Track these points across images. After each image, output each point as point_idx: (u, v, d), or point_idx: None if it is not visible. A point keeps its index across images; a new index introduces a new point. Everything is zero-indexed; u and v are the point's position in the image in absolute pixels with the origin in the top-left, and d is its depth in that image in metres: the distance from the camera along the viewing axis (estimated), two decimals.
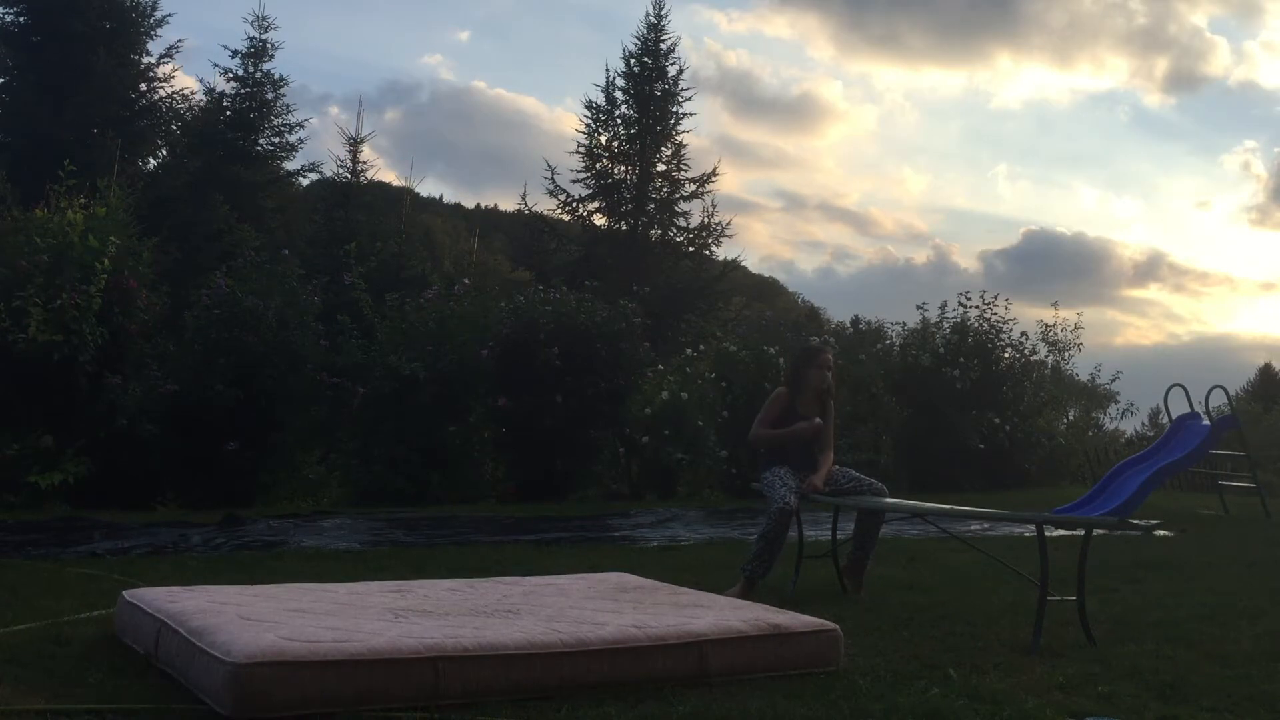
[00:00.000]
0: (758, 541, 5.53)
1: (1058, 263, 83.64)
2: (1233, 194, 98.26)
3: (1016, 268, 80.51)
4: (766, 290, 45.16)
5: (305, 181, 22.04)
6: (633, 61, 23.51)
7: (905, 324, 15.56)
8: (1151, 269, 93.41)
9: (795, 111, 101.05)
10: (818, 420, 5.80)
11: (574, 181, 23.15)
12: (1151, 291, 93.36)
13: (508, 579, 5.01)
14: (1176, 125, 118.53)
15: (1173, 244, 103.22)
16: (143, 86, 19.50)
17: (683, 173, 23.45)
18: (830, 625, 4.08)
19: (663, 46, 23.67)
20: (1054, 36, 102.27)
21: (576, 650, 3.56)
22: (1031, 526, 6.57)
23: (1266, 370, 45.67)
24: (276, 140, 20.68)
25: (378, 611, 3.94)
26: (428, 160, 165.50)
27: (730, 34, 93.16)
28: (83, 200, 10.26)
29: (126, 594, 4.17)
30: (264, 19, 20.13)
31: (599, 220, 23.49)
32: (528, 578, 5.06)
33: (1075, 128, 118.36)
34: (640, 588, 4.77)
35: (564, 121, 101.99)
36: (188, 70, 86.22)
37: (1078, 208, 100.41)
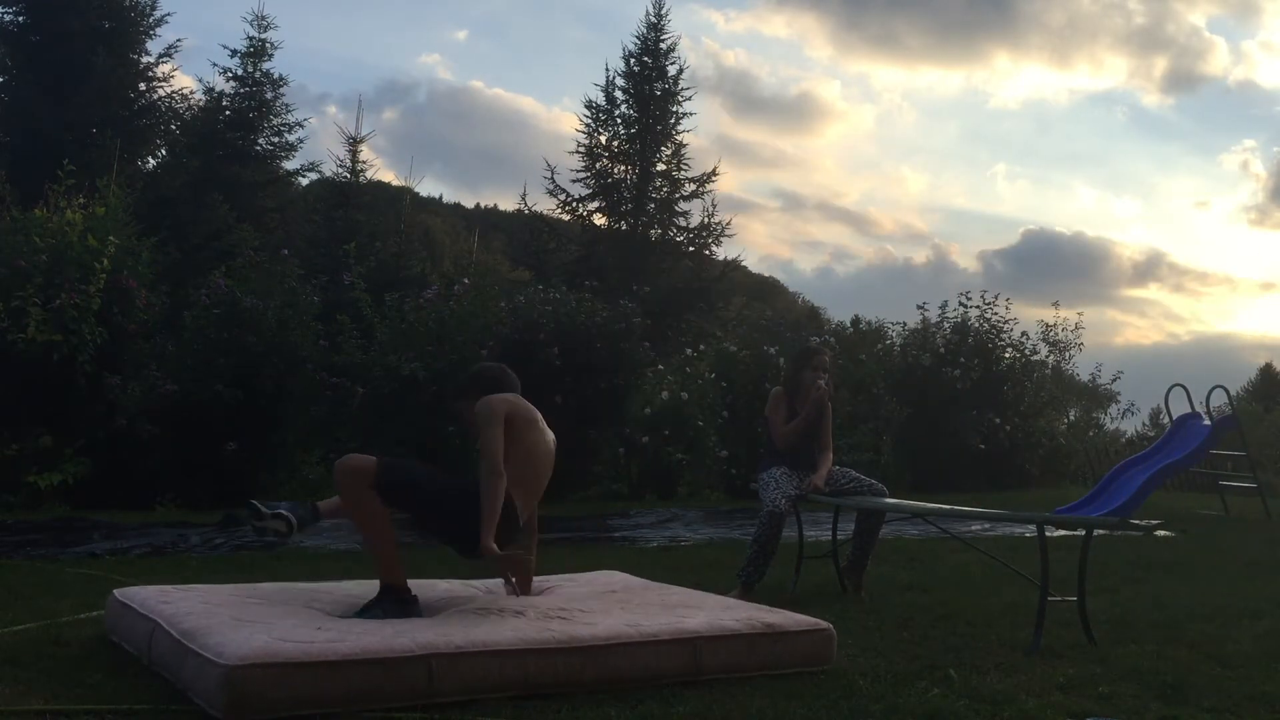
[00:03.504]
0: (751, 546, 5.53)
1: (1057, 262, 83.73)
2: (1231, 194, 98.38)
3: (1016, 267, 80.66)
4: (767, 290, 45.17)
5: (304, 181, 22.02)
6: (633, 61, 23.50)
7: (906, 324, 15.57)
8: (1151, 269, 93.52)
9: (793, 111, 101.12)
10: (820, 384, 5.80)
11: (574, 181, 23.16)
12: (1151, 291, 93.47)
13: (502, 579, 5.00)
14: (1175, 125, 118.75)
15: (1172, 244, 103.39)
16: (142, 86, 19.46)
17: (683, 172, 23.43)
18: (824, 624, 4.08)
19: (663, 46, 23.66)
20: (1052, 36, 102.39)
21: (570, 648, 3.56)
22: (1032, 526, 6.57)
23: (1267, 370, 45.68)
24: (276, 140, 20.64)
25: None
26: (425, 160, 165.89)
27: (728, 33, 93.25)
28: (82, 200, 10.26)
29: (118, 593, 4.15)
30: (263, 18, 20.10)
31: (599, 220, 23.48)
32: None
33: (1074, 127, 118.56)
34: (631, 588, 4.78)
35: (561, 121, 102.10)
36: (187, 70, 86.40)
37: (1077, 207, 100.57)
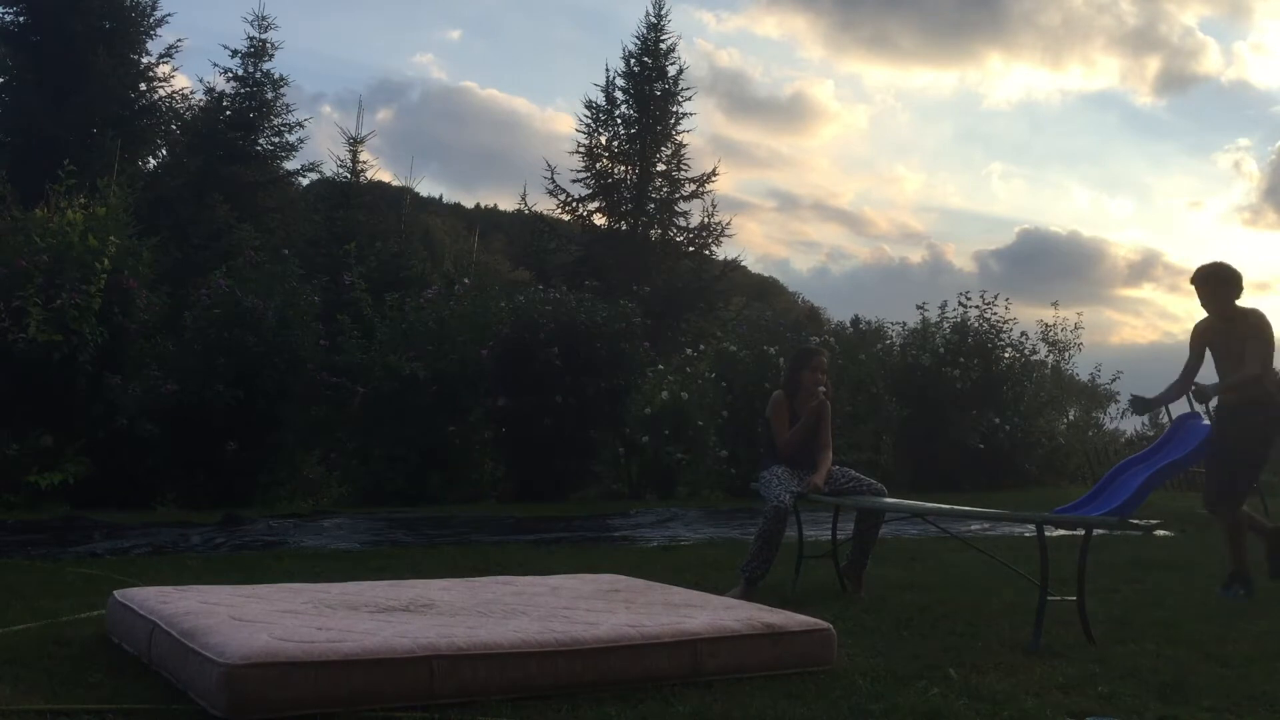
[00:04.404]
0: (755, 541, 5.53)
1: (1053, 262, 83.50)
2: (1225, 194, 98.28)
3: (1012, 267, 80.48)
4: (766, 290, 45.13)
5: (305, 181, 22.05)
6: (633, 61, 23.51)
7: (905, 324, 15.57)
8: (1146, 268, 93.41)
9: (787, 111, 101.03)
10: (820, 391, 5.82)
11: (574, 181, 23.16)
12: (1146, 291, 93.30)
13: (501, 578, 5.01)
14: (1168, 125, 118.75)
15: (1166, 244, 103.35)
16: (142, 86, 19.48)
17: (682, 172, 23.44)
18: (824, 624, 4.08)
19: (662, 46, 23.66)
20: (1044, 37, 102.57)
21: (571, 649, 3.56)
22: (1031, 526, 6.57)
23: None
24: (276, 140, 20.69)
25: (371, 611, 3.94)
26: (421, 159, 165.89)
27: (720, 34, 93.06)
28: (83, 200, 10.27)
29: (118, 594, 4.16)
30: (264, 18, 20.14)
31: (599, 220, 23.48)
32: (520, 578, 5.06)
33: (1068, 127, 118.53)
34: (633, 588, 4.77)
35: (556, 122, 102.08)
36: (187, 70, 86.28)
37: (1072, 207, 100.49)
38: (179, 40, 20.14)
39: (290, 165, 21.09)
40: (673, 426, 12.23)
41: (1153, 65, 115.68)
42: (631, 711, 3.33)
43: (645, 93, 23.34)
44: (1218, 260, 6.15)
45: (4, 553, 6.48)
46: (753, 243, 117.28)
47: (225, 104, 20.27)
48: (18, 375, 9.51)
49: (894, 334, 16.10)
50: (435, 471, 11.19)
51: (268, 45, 20.26)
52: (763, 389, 11.20)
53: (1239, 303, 6.09)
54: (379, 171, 44.48)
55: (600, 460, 12.62)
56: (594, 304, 12.15)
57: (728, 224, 23.68)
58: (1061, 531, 6.59)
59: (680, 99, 23.58)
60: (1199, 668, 4.15)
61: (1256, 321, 5.99)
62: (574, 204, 23.23)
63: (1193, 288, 6.12)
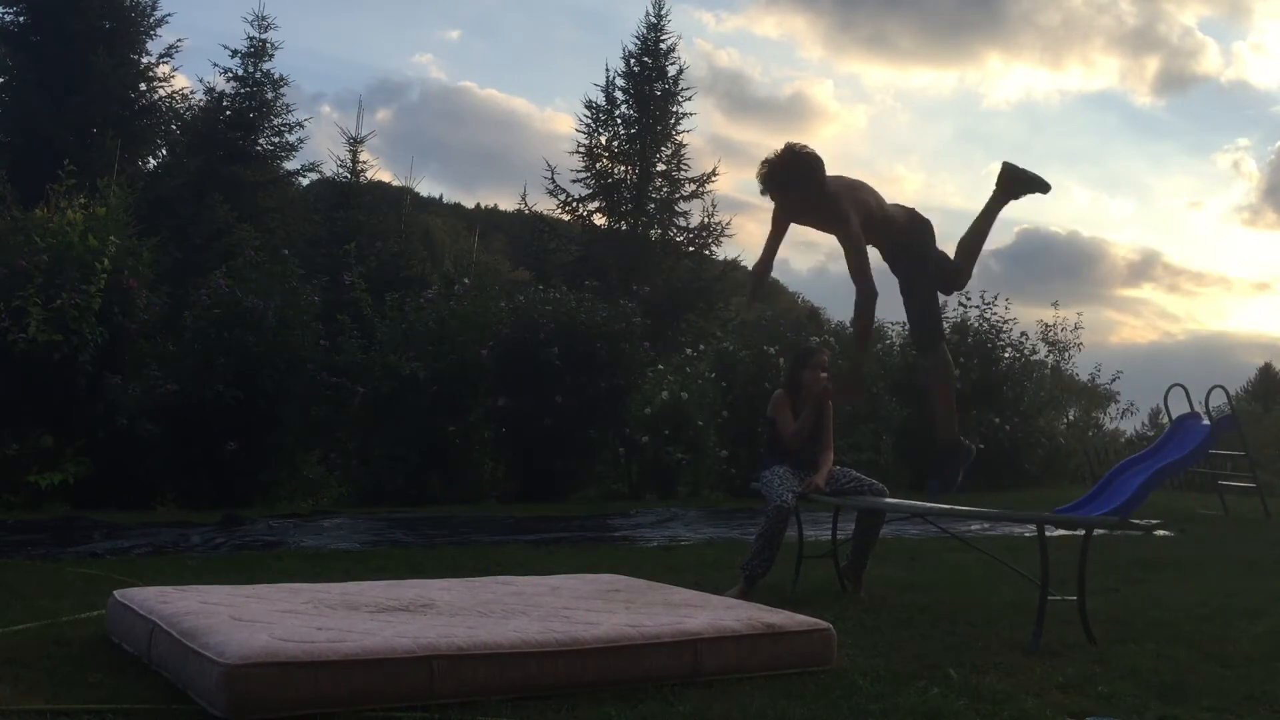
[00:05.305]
0: (756, 540, 5.53)
1: (1052, 262, 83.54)
2: (1225, 194, 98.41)
3: (1011, 268, 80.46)
4: (767, 290, 45.07)
5: (305, 181, 22.08)
6: (633, 61, 23.54)
7: (905, 324, 15.53)
8: (1145, 268, 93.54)
9: (787, 112, 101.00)
10: (824, 376, 5.80)
11: (574, 181, 23.20)
12: (1145, 291, 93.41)
13: (501, 579, 5.01)
14: (1168, 125, 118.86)
15: (1166, 244, 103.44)
16: (142, 86, 19.50)
17: (682, 172, 23.47)
18: (824, 624, 4.08)
19: (662, 46, 23.70)
20: (1044, 37, 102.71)
21: (571, 649, 3.55)
22: (1031, 526, 6.58)
23: (1266, 370, 45.68)
24: (276, 140, 20.71)
25: (371, 611, 3.93)
26: (421, 160, 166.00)
27: (719, 34, 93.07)
28: (82, 200, 10.27)
29: (117, 594, 4.15)
30: (264, 18, 20.16)
31: (599, 220, 23.51)
32: (520, 578, 5.06)
33: (1067, 127, 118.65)
34: (633, 588, 4.77)
35: (555, 122, 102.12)
36: (187, 70, 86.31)
37: (1071, 207, 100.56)
38: (179, 40, 20.17)
39: (290, 165, 21.13)
40: (673, 426, 12.23)
41: (1152, 65, 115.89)
42: (631, 711, 3.33)
43: (645, 93, 23.36)
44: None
45: (4, 553, 6.48)
46: (753, 243, 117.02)
47: (225, 104, 20.28)
48: (18, 375, 9.51)
49: (894, 334, 16.09)
50: (435, 471, 11.20)
51: (268, 45, 20.28)
52: (763, 389, 11.20)
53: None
54: (379, 171, 44.49)
55: (600, 460, 12.61)
56: (594, 304, 12.15)
57: (728, 224, 23.84)
58: (1061, 531, 6.59)
59: (680, 99, 23.63)
60: (1199, 668, 4.15)
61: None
62: (574, 204, 23.26)
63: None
